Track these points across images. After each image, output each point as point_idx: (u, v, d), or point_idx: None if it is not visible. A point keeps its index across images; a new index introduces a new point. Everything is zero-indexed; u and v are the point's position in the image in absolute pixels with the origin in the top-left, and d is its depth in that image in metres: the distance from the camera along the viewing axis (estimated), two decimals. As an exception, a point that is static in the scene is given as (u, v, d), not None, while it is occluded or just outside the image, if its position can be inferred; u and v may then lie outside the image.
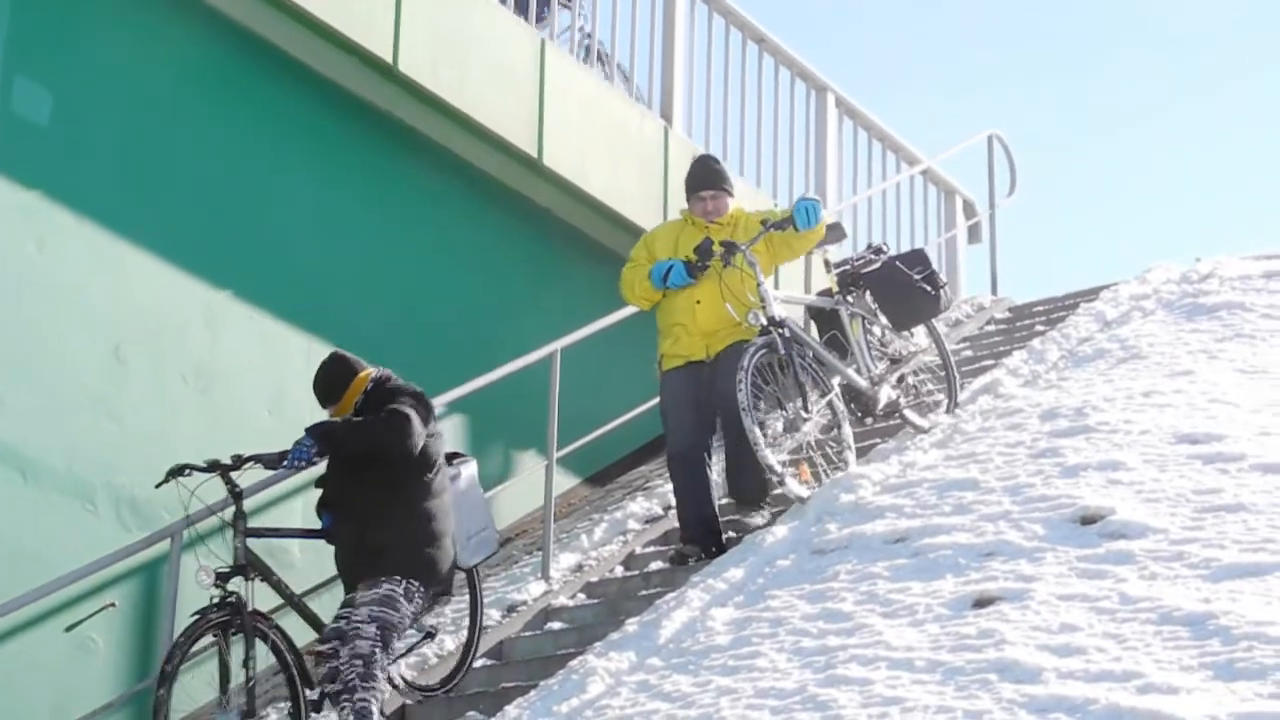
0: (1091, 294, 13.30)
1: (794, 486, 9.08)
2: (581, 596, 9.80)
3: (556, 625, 9.42)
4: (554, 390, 10.23)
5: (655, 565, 9.89)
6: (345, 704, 7.56)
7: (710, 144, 14.00)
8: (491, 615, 9.44)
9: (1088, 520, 7.72)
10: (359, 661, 7.55)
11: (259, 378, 10.38)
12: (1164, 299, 12.08)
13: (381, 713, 7.72)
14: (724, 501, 9.82)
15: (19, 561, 8.72)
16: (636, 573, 9.97)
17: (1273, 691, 5.87)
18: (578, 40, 13.92)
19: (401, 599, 7.75)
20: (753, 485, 9.42)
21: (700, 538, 9.33)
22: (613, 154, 12.76)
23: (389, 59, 11.02)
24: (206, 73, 10.38)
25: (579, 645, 8.35)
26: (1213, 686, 5.98)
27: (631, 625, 8.10)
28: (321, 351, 10.15)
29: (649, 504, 10.49)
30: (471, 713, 8.35)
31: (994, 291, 15.36)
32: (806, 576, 8.00)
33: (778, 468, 8.98)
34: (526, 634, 9.38)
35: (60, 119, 9.59)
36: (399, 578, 7.78)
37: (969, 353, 13.29)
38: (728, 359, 9.23)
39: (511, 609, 9.54)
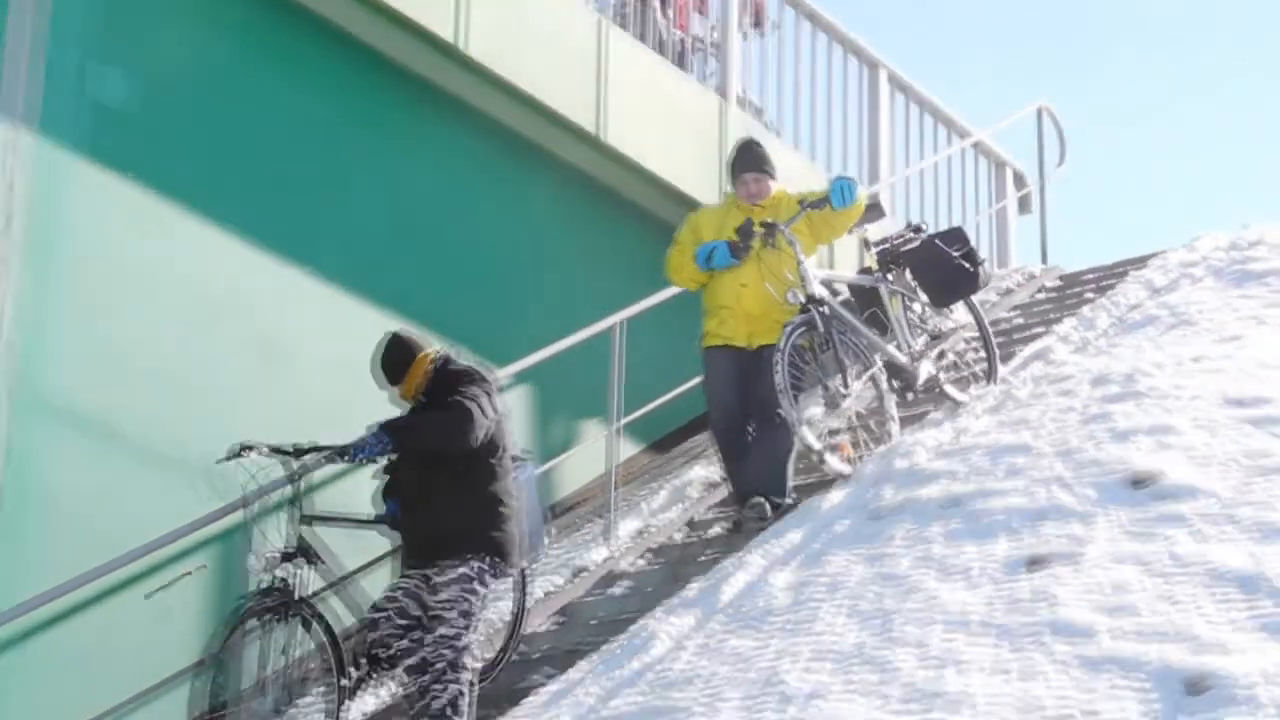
0: (1140, 262, 13.21)
1: (834, 464, 9.08)
2: (644, 560, 9.80)
3: (620, 588, 9.43)
4: (616, 361, 10.26)
5: (715, 530, 9.88)
6: (437, 692, 7.49)
7: (765, 119, 14.06)
8: (555, 580, 9.53)
9: (1139, 483, 7.70)
10: (447, 650, 7.53)
11: (326, 350, 10.39)
12: (1212, 266, 12.01)
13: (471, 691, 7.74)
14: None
15: (99, 530, 8.76)
16: (697, 538, 9.97)
17: None
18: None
19: (477, 581, 7.69)
20: (774, 486, 9.15)
21: (744, 499, 9.25)
22: (670, 131, 12.75)
23: (453, 40, 11.03)
24: (278, 58, 10.45)
25: (642, 608, 8.38)
26: (1264, 644, 5.96)
27: (693, 588, 8.14)
28: (387, 324, 10.22)
29: (708, 470, 10.47)
30: (539, 675, 8.34)
31: (1044, 260, 15.32)
32: (863, 540, 8.01)
33: (816, 445, 8.95)
34: (591, 596, 9.41)
35: (142, 106, 9.66)
36: (473, 560, 7.71)
37: (1020, 320, 13.27)
38: (769, 359, 9.08)
39: (577, 572, 9.59)
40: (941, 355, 10.18)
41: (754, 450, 9.23)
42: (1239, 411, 8.44)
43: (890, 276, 10.08)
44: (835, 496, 8.87)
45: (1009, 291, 14.21)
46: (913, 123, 15.87)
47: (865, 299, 10.05)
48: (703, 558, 9.19)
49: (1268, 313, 10.51)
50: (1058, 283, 14.40)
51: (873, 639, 6.79)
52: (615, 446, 10.30)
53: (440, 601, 7.59)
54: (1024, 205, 16.82)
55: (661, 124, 12.69)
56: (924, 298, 10.17)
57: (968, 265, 9.97)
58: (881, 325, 9.89)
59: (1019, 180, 16.84)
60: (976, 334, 10.45)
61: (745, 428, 9.29)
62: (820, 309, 9.16)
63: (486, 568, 7.73)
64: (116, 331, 9.32)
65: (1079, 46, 39.71)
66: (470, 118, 11.63)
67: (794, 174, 12.50)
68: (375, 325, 10.48)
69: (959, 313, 10.55)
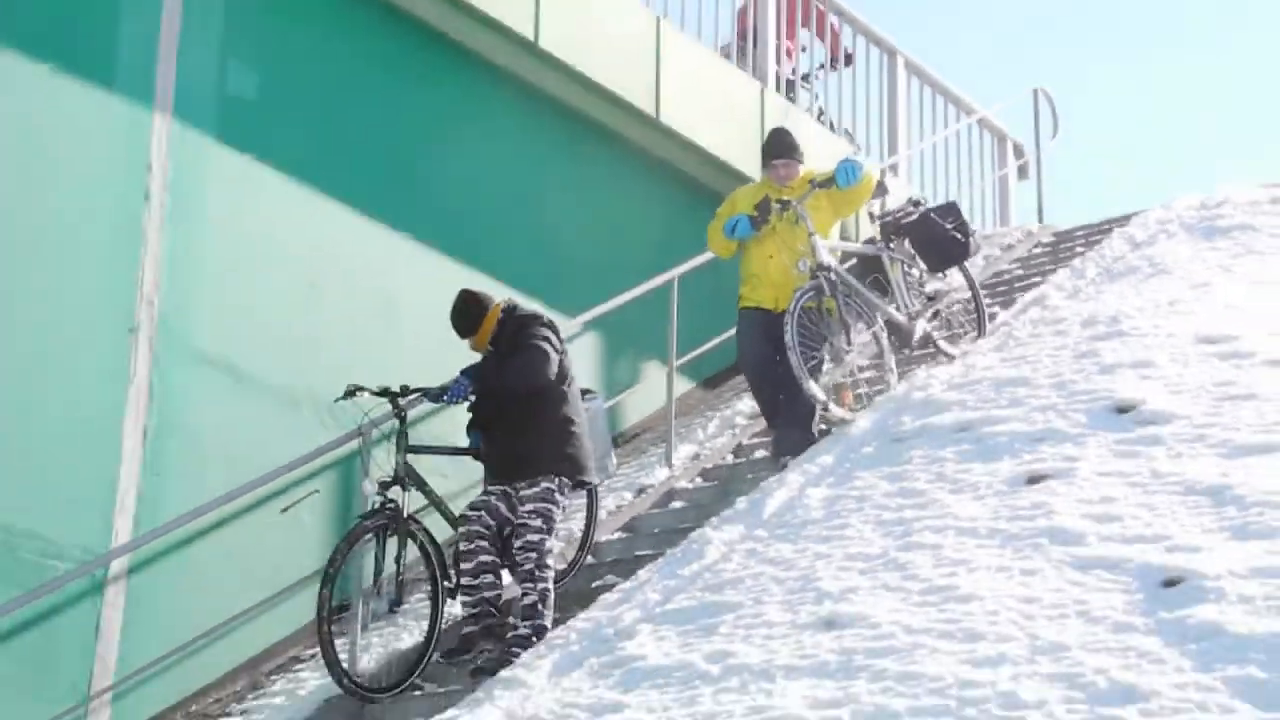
0: (1123, 220, 13.12)
1: (837, 411, 8.88)
2: (699, 480, 9.91)
3: (678, 504, 9.55)
4: (673, 310, 10.32)
5: (759, 454, 9.95)
6: (528, 589, 7.60)
7: (800, 103, 14.05)
8: (625, 497, 9.61)
9: (1123, 409, 7.67)
10: (533, 552, 7.59)
11: (425, 304, 10.23)
12: (1185, 223, 11.88)
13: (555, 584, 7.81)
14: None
15: (234, 459, 8.81)
16: (744, 460, 10.09)
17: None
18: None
19: (556, 492, 7.75)
20: (792, 444, 8.94)
21: (789, 434, 9.10)
22: (718, 112, 12.69)
23: (531, 36, 11.02)
24: (380, 53, 10.41)
25: (697, 520, 8.37)
26: (1229, 546, 5.99)
27: (741, 503, 8.11)
28: (476, 280, 10.29)
29: (753, 404, 10.40)
30: (609, 575, 8.46)
31: (1040, 220, 15.24)
32: (886, 460, 8.00)
33: (821, 395, 8.73)
34: (653, 511, 9.50)
35: (266, 96, 9.72)
36: (552, 475, 7.75)
37: (1020, 271, 13.26)
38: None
39: (641, 490, 9.69)
40: (936, 315, 9.98)
41: (784, 416, 9.14)
42: (1208, 347, 8.38)
43: (892, 245, 9.86)
44: (863, 424, 8.81)
45: (1010, 247, 14.22)
46: (926, 102, 15.79)
47: (870, 265, 9.84)
48: (749, 477, 9.22)
49: (1233, 262, 10.41)
50: (1052, 239, 14.37)
51: (895, 545, 6.83)
52: (673, 383, 10.32)
53: (526, 512, 7.67)
54: (1022, 172, 16.76)
55: (710, 106, 12.62)
56: (921, 264, 9.96)
57: (960, 236, 9.80)
58: (883, 289, 9.72)
59: (1018, 151, 16.76)
60: (969, 295, 10.28)
61: (772, 364, 9.09)
62: (827, 275, 8.96)
63: (567, 482, 7.80)
64: (244, 290, 9.33)
65: (1074, 25, 39.60)
66: (543, 102, 11.59)
67: (838, 154, 12.55)
68: (467, 282, 10.60)
69: (955, 277, 10.39)
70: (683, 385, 11.38)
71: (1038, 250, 14.02)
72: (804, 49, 14.52)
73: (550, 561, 7.72)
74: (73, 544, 8.22)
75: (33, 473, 8.17)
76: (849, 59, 14.69)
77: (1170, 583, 5.83)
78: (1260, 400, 7.48)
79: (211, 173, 9.31)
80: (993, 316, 10.83)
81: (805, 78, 14.61)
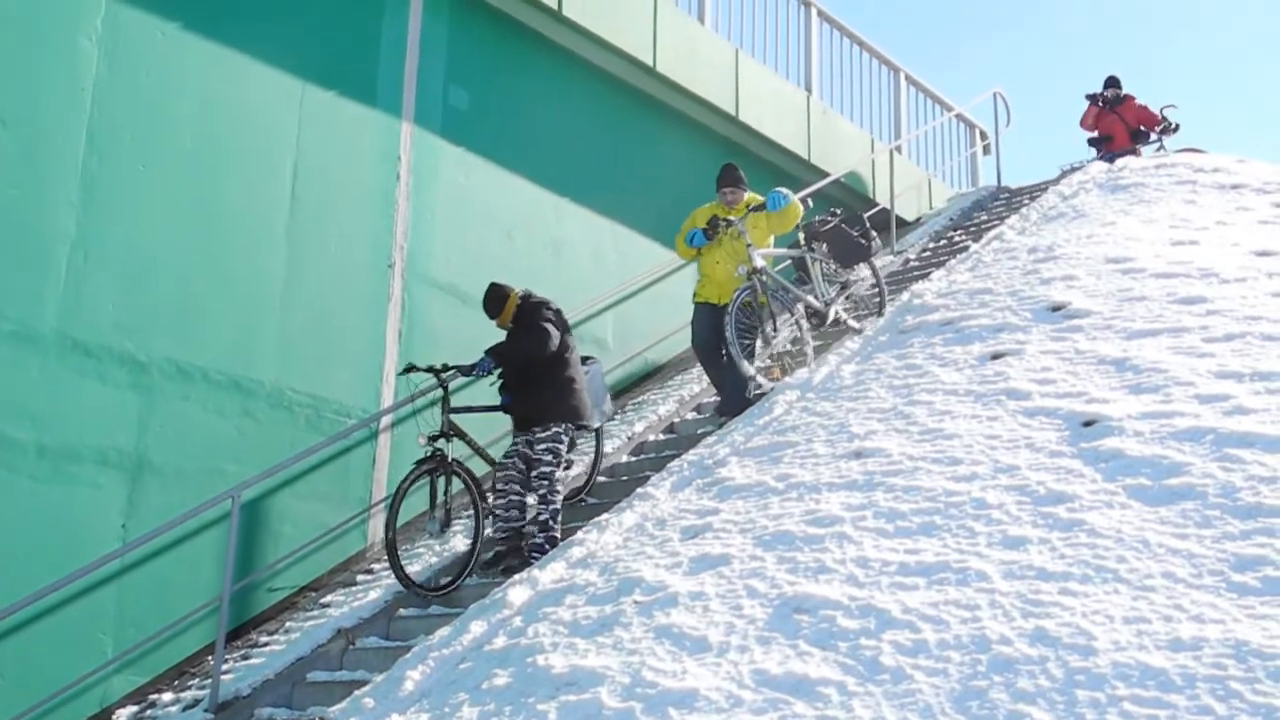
0: (1055, 181, 13.02)
1: (766, 384, 8.04)
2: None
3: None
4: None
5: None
6: (543, 509, 7.05)
7: (833, 104, 13.98)
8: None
9: (1056, 309, 7.67)
10: (545, 480, 7.07)
11: (585, 245, 10.39)
12: (1098, 182, 11.74)
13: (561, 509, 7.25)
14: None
15: (460, 347, 8.68)
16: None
17: (1163, 400, 5.92)
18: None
19: (563, 434, 7.20)
20: (732, 406, 8.19)
21: (734, 402, 8.29)
22: (779, 111, 12.64)
23: (650, 61, 11.02)
24: (545, 75, 10.39)
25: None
26: (1128, 399, 6.04)
27: (798, 376, 8.05)
28: (617, 232, 10.37)
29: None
30: (712, 425, 8.43)
31: (998, 182, 15.14)
32: (895, 345, 8.00)
33: (751, 372, 7.94)
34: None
35: (473, 108, 9.71)
36: (561, 420, 7.21)
37: (985, 217, 13.13)
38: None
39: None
40: (849, 298, 9.19)
41: (725, 384, 8.33)
42: (1114, 266, 8.33)
43: (813, 248, 9.04)
44: (880, 323, 8.75)
45: (978, 203, 14.08)
46: (919, 103, 15.61)
47: (798, 264, 9.14)
48: (798, 359, 9.11)
49: (1130, 208, 10.27)
50: (1007, 195, 14.18)
51: (901, 401, 6.84)
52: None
53: (540, 450, 7.16)
54: (987, 150, 16.55)
55: (773, 106, 12.56)
56: (835, 263, 9.12)
57: (863, 241, 9.01)
58: (806, 280, 9.03)
59: (983, 135, 16.55)
60: (874, 283, 9.41)
61: (718, 348, 8.37)
62: (759, 278, 8.18)
63: (571, 426, 7.29)
64: (462, 238, 9.37)
65: (1032, 23, 38.70)
66: (657, 107, 11.55)
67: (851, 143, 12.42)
68: (609, 232, 10.63)
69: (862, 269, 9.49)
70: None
71: (997, 204, 13.85)
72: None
73: (560, 488, 7.19)
74: (356, 406, 8.36)
75: (330, 360, 8.27)
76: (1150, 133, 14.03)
77: (1088, 423, 5.87)
78: (1149, 301, 7.46)
79: (439, 160, 9.35)
80: (964, 250, 10.59)
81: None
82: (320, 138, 8.52)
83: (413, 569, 7.29)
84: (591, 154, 10.72)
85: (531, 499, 7.27)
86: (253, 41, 8.20)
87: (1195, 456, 5.25)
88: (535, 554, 6.94)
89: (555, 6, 10.14)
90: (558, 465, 7.15)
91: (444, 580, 7.16)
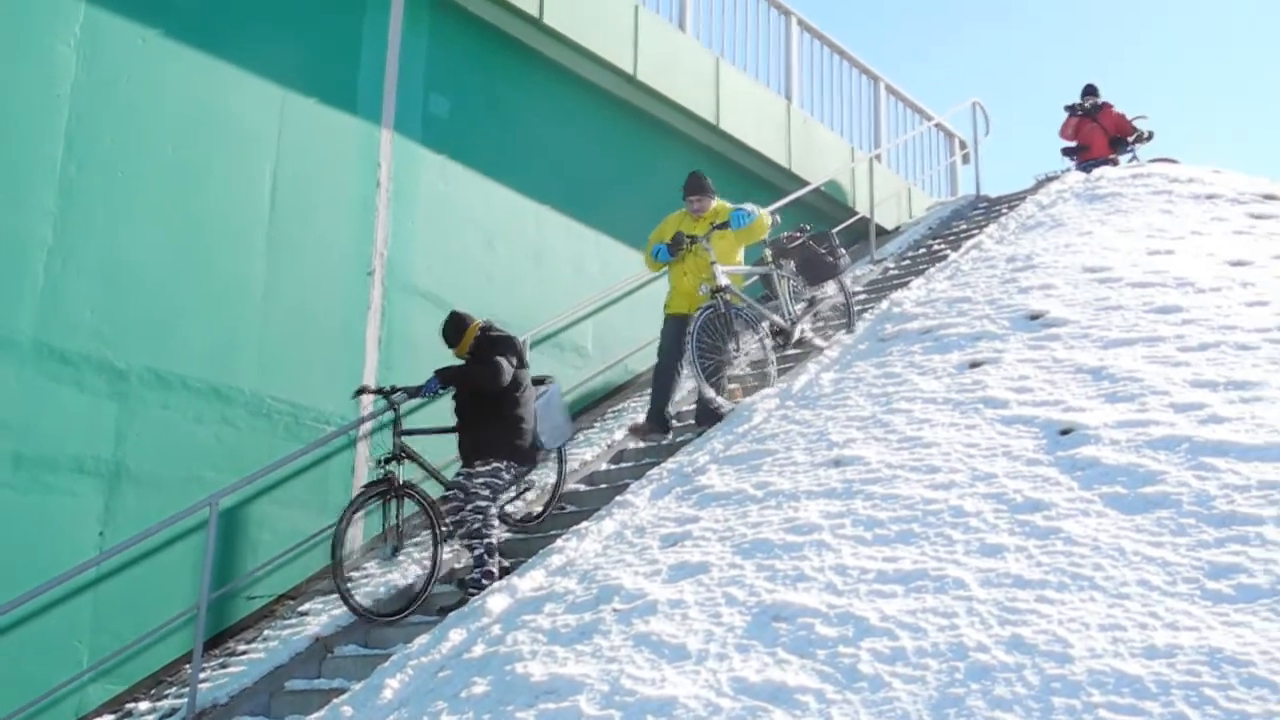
0: (1033, 190, 13.04)
1: (725, 405, 7.83)
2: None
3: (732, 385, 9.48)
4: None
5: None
6: (476, 544, 6.91)
7: (813, 113, 14.00)
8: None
9: (1034, 317, 7.66)
10: (479, 515, 6.93)
11: (566, 253, 10.36)
12: (1075, 192, 11.71)
13: (500, 542, 7.23)
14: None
15: (439, 357, 8.53)
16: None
17: (1139, 408, 5.92)
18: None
19: (503, 471, 7.09)
20: (706, 416, 8.00)
21: (656, 419, 8.39)
22: (760, 120, 12.65)
23: (630, 70, 11.01)
24: (527, 84, 10.37)
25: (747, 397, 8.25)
26: (1104, 407, 6.04)
27: (777, 386, 8.05)
28: (598, 240, 10.35)
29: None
30: (688, 434, 8.35)
31: (977, 191, 15.20)
32: (874, 353, 7.99)
33: (710, 393, 7.77)
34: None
35: (454, 115, 9.69)
36: (503, 458, 7.10)
37: (964, 226, 13.17)
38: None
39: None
40: (816, 316, 9.13)
41: (699, 401, 8.12)
42: (1091, 275, 8.32)
43: (780, 265, 8.93)
44: (859, 329, 8.74)
45: (957, 212, 14.15)
46: (898, 112, 15.67)
47: (764, 280, 9.03)
48: (783, 368, 9.04)
49: (1107, 218, 10.26)
50: (985, 204, 14.24)
51: (880, 410, 6.83)
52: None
53: (477, 484, 7.04)
54: (966, 159, 16.61)
55: (753, 115, 12.58)
56: (802, 279, 9.01)
57: (830, 258, 8.95)
58: (772, 296, 8.93)
59: (963, 144, 16.61)
60: (842, 299, 9.30)
61: (676, 368, 8.26)
62: (723, 296, 8.01)
63: (514, 464, 7.16)
64: (442, 245, 9.35)
65: (1005, 33, 38.90)
66: (638, 117, 11.55)
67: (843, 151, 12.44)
68: (590, 239, 10.60)
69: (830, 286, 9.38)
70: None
71: (976, 212, 13.88)
72: None
73: (495, 524, 7.04)
74: (335, 413, 8.35)
75: (308, 367, 8.26)
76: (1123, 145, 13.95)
77: (1065, 431, 5.87)
78: (1126, 310, 7.47)
79: (419, 167, 9.35)
80: (943, 259, 10.58)
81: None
82: (300, 145, 8.50)
83: (365, 590, 7.23)
84: (572, 161, 10.72)
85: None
86: (233, 48, 8.19)
87: (1170, 465, 5.26)
88: (473, 589, 6.80)
89: (536, 14, 10.15)
90: (493, 501, 7.05)
91: (396, 606, 7.08)
